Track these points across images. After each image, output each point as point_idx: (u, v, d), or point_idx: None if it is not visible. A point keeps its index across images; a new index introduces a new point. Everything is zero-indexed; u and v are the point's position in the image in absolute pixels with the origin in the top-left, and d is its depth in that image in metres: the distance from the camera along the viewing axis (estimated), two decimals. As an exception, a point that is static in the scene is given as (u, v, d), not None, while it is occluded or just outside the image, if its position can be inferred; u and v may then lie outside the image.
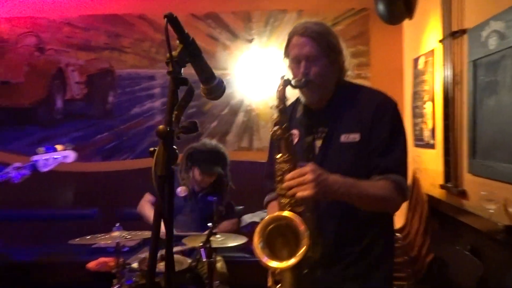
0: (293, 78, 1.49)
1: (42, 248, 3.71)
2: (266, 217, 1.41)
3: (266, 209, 1.71)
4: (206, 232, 2.40)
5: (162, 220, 0.86)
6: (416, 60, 3.44)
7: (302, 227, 1.31)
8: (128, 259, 2.64)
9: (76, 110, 4.16)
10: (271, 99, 1.48)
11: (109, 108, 4.16)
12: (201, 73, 1.01)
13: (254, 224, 3.35)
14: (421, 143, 3.31)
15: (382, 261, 1.56)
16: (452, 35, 2.63)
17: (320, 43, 1.50)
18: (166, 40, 0.86)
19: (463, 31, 2.52)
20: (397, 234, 3.17)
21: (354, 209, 1.45)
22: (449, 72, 2.68)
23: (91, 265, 3.18)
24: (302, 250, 1.28)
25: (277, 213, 1.40)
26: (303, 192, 1.30)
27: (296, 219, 1.34)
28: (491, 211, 2.19)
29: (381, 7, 3.53)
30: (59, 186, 4.07)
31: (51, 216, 4.06)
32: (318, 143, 1.54)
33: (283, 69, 1.59)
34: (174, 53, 0.91)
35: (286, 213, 1.37)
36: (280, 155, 1.44)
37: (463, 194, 2.54)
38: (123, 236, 2.40)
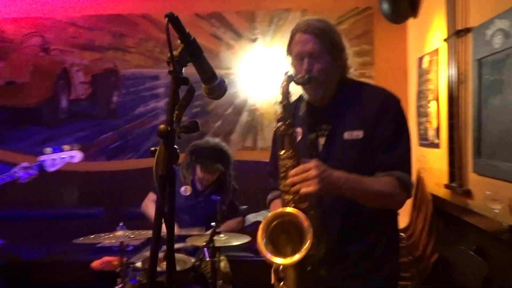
0: (296, 75, 1.49)
1: (47, 247, 3.73)
2: (270, 214, 1.40)
3: (269, 208, 1.71)
4: (210, 232, 2.40)
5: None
6: (420, 59, 3.42)
7: (305, 223, 1.31)
8: (132, 258, 2.65)
9: (81, 110, 4.18)
10: (275, 99, 1.47)
11: (113, 108, 4.17)
12: (202, 72, 1.01)
13: (258, 224, 3.33)
14: (425, 142, 3.30)
15: (387, 259, 1.55)
16: (456, 34, 2.61)
17: (323, 40, 1.50)
18: (167, 40, 0.86)
19: (467, 30, 2.51)
20: (402, 234, 3.16)
21: (358, 207, 1.45)
22: (453, 71, 2.67)
23: (95, 264, 3.20)
24: (306, 246, 1.28)
25: (280, 209, 1.39)
26: (307, 188, 1.29)
27: (300, 215, 1.33)
28: (496, 211, 2.17)
29: (385, 6, 3.51)
30: (64, 185, 4.09)
31: (57, 216, 4.09)
32: (322, 140, 1.54)
33: (287, 68, 1.59)
34: (175, 52, 0.91)
35: (289, 209, 1.37)
36: (283, 151, 1.44)
37: (468, 193, 2.52)
38: (126, 236, 2.41)
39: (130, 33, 4.12)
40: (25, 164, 2.52)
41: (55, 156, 2.59)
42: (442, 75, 2.94)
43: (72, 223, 3.94)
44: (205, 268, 2.65)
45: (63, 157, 2.62)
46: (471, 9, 2.51)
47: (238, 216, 3.18)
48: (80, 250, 3.40)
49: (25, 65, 4.14)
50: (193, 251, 2.79)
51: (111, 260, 3.14)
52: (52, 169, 2.59)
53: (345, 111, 1.53)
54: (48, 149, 2.60)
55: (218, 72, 3.86)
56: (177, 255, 2.58)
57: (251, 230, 3.29)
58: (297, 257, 1.28)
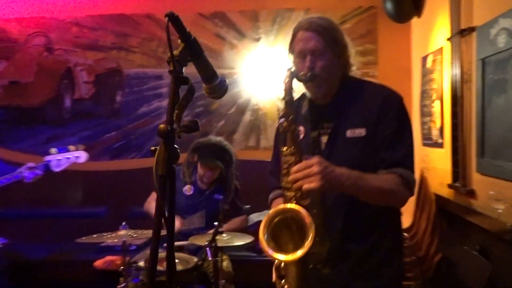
0: (299, 72, 1.49)
1: (51, 246, 3.74)
2: (272, 210, 1.40)
3: (270, 207, 1.70)
4: (212, 231, 2.40)
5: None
6: (424, 59, 3.41)
7: (308, 219, 1.30)
8: (134, 257, 2.65)
9: (85, 109, 4.19)
10: (278, 98, 1.47)
11: (117, 108, 4.18)
12: (203, 72, 1.01)
13: (260, 223, 3.35)
14: (429, 142, 3.28)
15: (390, 259, 1.55)
16: (460, 33, 2.60)
17: (325, 37, 1.50)
18: (167, 39, 0.86)
19: (471, 29, 2.49)
20: (405, 234, 3.15)
21: (361, 205, 1.45)
22: (457, 71, 2.65)
23: (98, 263, 3.21)
24: (309, 241, 1.27)
25: (282, 206, 1.39)
26: (310, 184, 1.29)
27: (302, 211, 1.33)
28: (499, 211, 2.16)
29: (389, 5, 3.50)
30: (67, 185, 4.10)
31: (61, 215, 4.10)
32: (324, 139, 1.54)
33: (290, 66, 1.59)
34: (176, 52, 0.91)
35: (291, 205, 1.36)
36: (286, 147, 1.44)
37: (471, 193, 2.51)
38: (129, 235, 2.41)
39: (133, 33, 4.13)
40: (30, 164, 2.55)
41: (61, 156, 2.62)
42: (445, 75, 2.92)
43: (75, 223, 3.95)
44: (207, 267, 2.65)
45: (69, 158, 2.66)
46: (475, 8, 2.49)
47: (242, 214, 3.18)
48: (83, 249, 3.41)
49: (29, 65, 4.15)
50: (196, 250, 2.79)
51: (114, 259, 3.15)
52: (57, 169, 2.62)
53: (348, 109, 1.53)
54: (54, 150, 2.63)
55: (221, 71, 3.86)
56: (179, 254, 2.58)
57: (254, 229, 3.29)
58: (300, 253, 1.27)
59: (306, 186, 1.30)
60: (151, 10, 4.06)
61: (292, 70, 1.48)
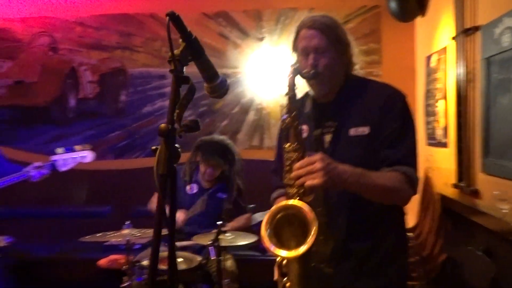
0: (302, 69, 1.49)
1: (56, 245, 3.76)
2: (274, 206, 1.39)
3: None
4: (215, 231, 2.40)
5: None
6: (428, 58, 3.39)
7: (311, 215, 1.29)
8: (138, 256, 2.66)
9: (89, 108, 4.21)
10: (282, 97, 1.47)
11: (121, 107, 4.20)
12: (204, 71, 1.01)
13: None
14: (433, 141, 3.27)
15: (394, 258, 1.55)
16: (465, 32, 2.58)
17: (328, 35, 1.50)
18: (168, 38, 0.86)
19: (476, 28, 2.48)
20: (409, 234, 3.14)
21: (365, 204, 1.44)
22: (462, 70, 2.64)
23: (102, 262, 3.22)
24: (311, 237, 1.26)
25: (284, 202, 1.38)
26: (312, 181, 1.28)
27: (305, 207, 1.32)
28: (504, 211, 2.15)
29: (393, 4, 3.49)
30: (72, 184, 4.12)
31: (65, 214, 4.13)
32: (328, 137, 1.53)
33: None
34: (176, 51, 0.91)
35: (294, 201, 1.35)
36: (288, 144, 1.43)
37: (476, 193, 2.50)
38: (132, 234, 2.42)
39: (137, 33, 4.14)
40: (37, 163, 2.58)
41: (67, 156, 2.65)
42: (450, 74, 2.91)
43: (80, 222, 3.96)
44: (211, 266, 2.65)
45: (75, 157, 2.68)
46: (480, 7, 2.48)
47: (246, 212, 3.17)
48: (87, 248, 3.42)
49: (34, 65, 4.17)
50: (199, 249, 2.79)
51: (118, 258, 3.16)
52: (63, 169, 2.65)
53: (351, 107, 1.53)
54: (60, 149, 2.66)
55: (225, 71, 3.86)
56: (183, 254, 2.59)
57: (257, 229, 3.28)
58: (302, 249, 1.27)
59: (308, 182, 1.29)
60: (155, 9, 4.07)
61: (296, 66, 1.47)
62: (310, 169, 1.29)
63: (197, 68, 1.01)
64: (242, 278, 2.84)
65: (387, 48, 3.95)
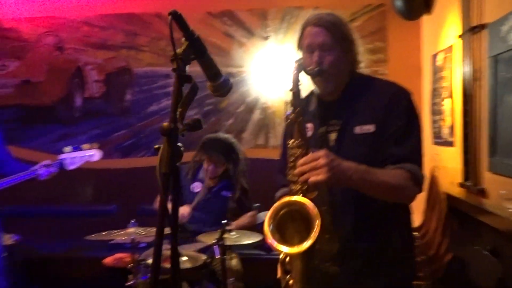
0: (307, 67, 1.48)
1: (62, 243, 3.78)
2: (277, 202, 1.38)
3: None
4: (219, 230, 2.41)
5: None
6: (434, 56, 3.37)
7: (314, 211, 1.29)
8: (143, 255, 2.66)
9: (95, 108, 4.23)
10: (287, 96, 1.47)
11: (126, 106, 4.21)
12: (206, 70, 1.01)
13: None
14: (439, 140, 3.25)
15: (401, 258, 1.54)
16: (471, 30, 2.57)
17: (334, 33, 1.50)
18: (171, 37, 0.86)
19: (482, 26, 2.46)
20: (415, 233, 3.12)
21: (371, 203, 1.43)
22: (468, 68, 2.62)
23: (108, 260, 3.23)
24: (315, 232, 1.25)
25: (288, 198, 1.38)
26: (316, 177, 1.28)
27: (308, 203, 1.31)
28: (511, 210, 2.13)
29: (398, 2, 3.46)
30: (78, 183, 4.14)
31: (72, 212, 4.15)
32: (333, 136, 1.53)
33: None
34: (179, 50, 0.91)
35: (297, 197, 1.35)
36: (292, 140, 1.43)
37: (482, 192, 2.48)
38: (137, 233, 2.43)
39: (143, 32, 4.15)
40: (46, 161, 2.60)
41: (75, 154, 2.68)
42: (456, 72, 2.89)
43: (86, 220, 3.99)
44: (216, 265, 2.66)
45: (83, 156, 2.71)
46: (486, 5, 2.46)
47: (251, 210, 3.17)
48: (93, 247, 3.44)
49: (40, 64, 4.20)
50: (204, 248, 2.80)
51: (123, 256, 3.17)
52: (71, 167, 2.68)
53: (356, 105, 1.52)
54: (68, 148, 2.68)
55: (230, 70, 3.86)
56: (188, 252, 2.59)
57: (262, 228, 3.28)
58: (306, 244, 1.26)
59: (312, 178, 1.28)
60: (160, 9, 4.08)
61: (300, 62, 1.47)
62: (314, 165, 1.29)
63: (200, 67, 1.01)
64: (247, 277, 2.84)
65: (393, 46, 3.93)
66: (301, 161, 1.33)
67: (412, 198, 1.49)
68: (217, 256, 2.41)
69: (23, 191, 3.62)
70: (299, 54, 1.58)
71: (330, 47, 1.49)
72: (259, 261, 3.27)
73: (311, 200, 1.33)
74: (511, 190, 2.16)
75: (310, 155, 1.33)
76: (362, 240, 1.49)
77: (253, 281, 2.93)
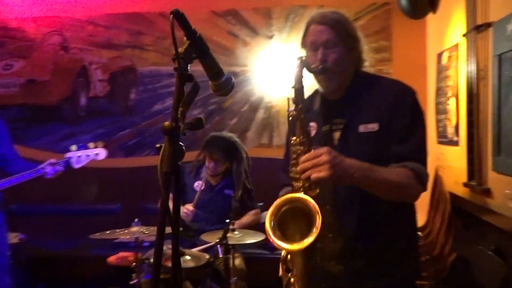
0: (311, 64, 1.48)
1: (66, 242, 3.81)
2: (279, 199, 1.38)
3: None
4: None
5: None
6: (439, 55, 3.36)
7: (315, 208, 1.28)
8: (147, 254, 2.67)
9: (99, 107, 4.24)
10: (291, 96, 1.46)
11: (131, 105, 4.22)
12: (208, 69, 1.00)
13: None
14: (444, 140, 3.23)
15: (405, 257, 1.53)
16: (476, 29, 2.55)
17: (338, 31, 1.49)
18: (172, 37, 0.86)
19: (488, 25, 2.44)
20: (419, 233, 3.11)
21: (374, 201, 1.42)
22: (473, 67, 2.60)
23: (111, 259, 3.24)
24: (316, 228, 1.24)
25: (289, 195, 1.37)
26: (318, 174, 1.27)
27: (310, 200, 1.30)
28: (515, 210, 2.12)
29: (403, 1, 3.45)
30: (83, 182, 4.16)
31: (76, 211, 4.18)
32: (337, 134, 1.52)
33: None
34: (181, 49, 0.91)
35: (299, 194, 1.34)
36: (295, 137, 1.42)
37: (487, 192, 2.46)
38: (141, 232, 2.44)
39: (147, 31, 4.16)
40: (52, 160, 2.62)
41: (81, 153, 2.70)
42: (461, 71, 2.87)
43: (90, 219, 4.00)
44: (219, 264, 2.66)
45: (88, 155, 2.73)
46: (491, 3, 2.44)
47: (254, 208, 3.17)
48: (97, 245, 3.46)
49: (46, 64, 4.22)
50: (209, 246, 2.80)
51: (127, 255, 3.18)
52: (77, 166, 2.70)
53: (360, 103, 1.52)
54: (74, 146, 2.70)
55: (234, 69, 3.85)
56: (191, 251, 2.60)
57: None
58: (307, 241, 1.25)
59: (314, 175, 1.27)
60: (165, 8, 4.08)
61: (303, 59, 1.46)
62: (316, 162, 1.28)
63: (202, 66, 1.00)
64: (250, 276, 2.84)
65: (398, 45, 3.91)
66: (303, 158, 1.32)
67: (416, 196, 1.48)
68: (221, 255, 2.41)
69: (28, 190, 3.64)
70: (303, 52, 1.57)
71: (334, 45, 1.49)
72: (263, 260, 3.27)
73: (314, 197, 1.32)
74: (516, 190, 2.14)
75: (312, 152, 1.32)
76: (366, 239, 1.48)
77: (256, 280, 2.93)
